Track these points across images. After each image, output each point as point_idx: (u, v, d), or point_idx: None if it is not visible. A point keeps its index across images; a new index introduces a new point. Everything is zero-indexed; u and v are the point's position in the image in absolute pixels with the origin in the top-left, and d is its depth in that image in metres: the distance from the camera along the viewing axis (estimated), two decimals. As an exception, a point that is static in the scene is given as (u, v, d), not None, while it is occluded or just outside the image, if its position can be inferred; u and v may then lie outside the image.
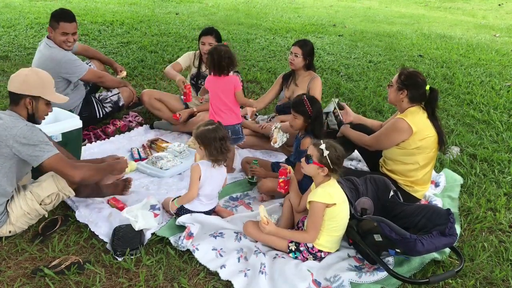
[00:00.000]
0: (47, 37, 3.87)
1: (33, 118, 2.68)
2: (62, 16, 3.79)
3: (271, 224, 2.61)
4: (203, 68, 4.29)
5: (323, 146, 2.53)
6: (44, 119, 2.76)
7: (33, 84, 2.60)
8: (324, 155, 2.50)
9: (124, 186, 3.16)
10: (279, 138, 3.34)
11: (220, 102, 3.39)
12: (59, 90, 3.88)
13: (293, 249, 2.62)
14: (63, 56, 3.80)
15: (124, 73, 4.54)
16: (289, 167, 2.88)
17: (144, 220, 2.72)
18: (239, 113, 3.52)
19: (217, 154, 2.80)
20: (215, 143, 2.78)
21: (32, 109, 2.63)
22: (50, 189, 2.69)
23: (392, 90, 3.10)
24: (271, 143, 3.38)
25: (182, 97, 4.13)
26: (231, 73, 3.42)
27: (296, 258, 2.60)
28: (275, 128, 3.37)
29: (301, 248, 2.61)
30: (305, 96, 3.18)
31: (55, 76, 3.78)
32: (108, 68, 4.74)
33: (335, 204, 2.50)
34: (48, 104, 2.71)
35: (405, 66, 3.21)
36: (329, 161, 2.50)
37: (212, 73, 3.39)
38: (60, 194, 2.73)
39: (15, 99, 2.61)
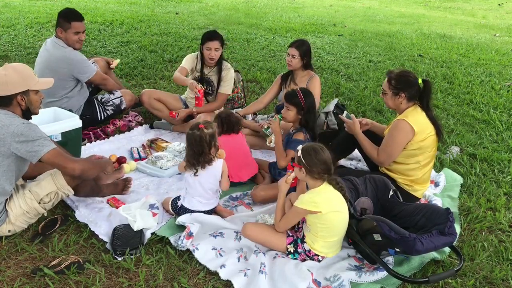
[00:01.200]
0: (56, 37, 3.88)
1: (29, 112, 2.66)
2: (72, 16, 3.86)
3: (283, 182, 2.67)
4: (206, 72, 4.26)
5: (299, 147, 2.56)
6: (40, 107, 2.75)
7: (16, 81, 2.56)
8: (298, 155, 2.53)
9: (124, 185, 3.17)
10: (273, 137, 3.37)
11: (240, 159, 3.33)
12: (67, 90, 3.91)
13: (292, 251, 2.62)
14: (75, 56, 3.88)
15: (117, 61, 4.58)
16: None
17: (143, 220, 2.72)
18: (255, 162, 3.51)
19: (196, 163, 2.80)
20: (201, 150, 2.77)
21: (25, 104, 2.61)
22: (49, 188, 2.69)
23: (388, 97, 3.08)
24: (267, 143, 3.42)
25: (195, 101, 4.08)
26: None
27: (295, 259, 2.60)
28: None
29: (299, 250, 2.60)
30: (298, 88, 3.19)
31: (67, 76, 3.84)
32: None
33: (320, 212, 2.46)
34: (37, 92, 2.68)
35: (391, 69, 3.18)
36: (303, 161, 2.50)
37: (221, 134, 3.31)
38: (59, 192, 2.73)
39: (6, 102, 2.57)
